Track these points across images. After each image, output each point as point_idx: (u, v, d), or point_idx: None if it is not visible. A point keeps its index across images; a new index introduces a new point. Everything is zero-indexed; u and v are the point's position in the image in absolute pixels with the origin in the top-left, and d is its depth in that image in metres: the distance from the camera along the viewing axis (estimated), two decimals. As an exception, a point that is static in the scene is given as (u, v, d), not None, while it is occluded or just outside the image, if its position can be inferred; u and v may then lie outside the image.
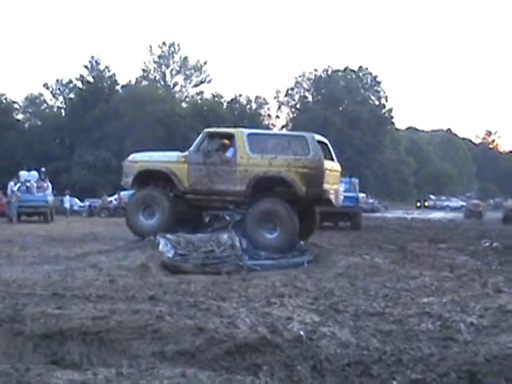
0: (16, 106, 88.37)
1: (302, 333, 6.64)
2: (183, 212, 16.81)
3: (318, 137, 16.40)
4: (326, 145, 16.55)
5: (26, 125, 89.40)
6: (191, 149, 16.43)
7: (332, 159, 16.53)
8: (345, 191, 28.98)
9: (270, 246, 14.90)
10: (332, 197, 16.27)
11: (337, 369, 5.79)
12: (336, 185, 16.76)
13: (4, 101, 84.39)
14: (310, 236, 17.00)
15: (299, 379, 5.62)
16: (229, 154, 16.27)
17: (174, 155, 16.81)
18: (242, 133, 16.34)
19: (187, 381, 5.25)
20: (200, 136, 16.56)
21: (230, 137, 16.45)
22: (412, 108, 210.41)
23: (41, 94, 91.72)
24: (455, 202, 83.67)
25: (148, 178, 16.87)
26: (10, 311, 7.75)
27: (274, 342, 6.33)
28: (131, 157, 17.31)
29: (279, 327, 6.85)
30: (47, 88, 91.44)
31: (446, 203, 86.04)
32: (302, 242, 15.09)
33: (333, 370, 5.77)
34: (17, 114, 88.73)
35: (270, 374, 5.76)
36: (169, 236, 14.06)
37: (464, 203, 66.77)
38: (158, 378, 5.35)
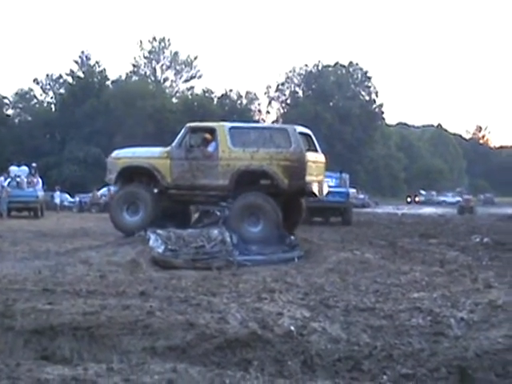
0: (6, 101, 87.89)
1: (292, 328, 6.65)
2: (168, 207, 16.77)
3: (301, 128, 16.52)
4: (310, 136, 16.72)
5: (16, 120, 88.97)
6: (173, 144, 16.42)
7: (316, 150, 16.70)
8: (335, 186, 29.06)
9: (254, 239, 14.91)
10: (315, 189, 16.28)
11: (327, 364, 5.80)
12: (320, 176, 16.87)
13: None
14: (295, 228, 17.04)
15: (290, 374, 5.63)
16: (211, 148, 16.26)
17: (156, 151, 16.80)
18: (223, 127, 16.34)
19: (178, 376, 5.25)
20: (182, 131, 16.55)
21: (212, 131, 16.44)
22: (402, 103, 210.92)
23: (31, 89, 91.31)
24: (451, 198, 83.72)
25: (132, 174, 16.83)
26: (0, 306, 7.74)
27: (264, 338, 6.34)
28: (114, 153, 17.29)
29: (270, 322, 6.86)
30: (37, 83, 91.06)
31: (442, 198, 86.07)
32: (292, 237, 15.08)
33: (323, 366, 5.78)
34: (7, 110, 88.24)
35: (260, 369, 5.76)
36: (159, 231, 14.04)
37: (460, 198, 66.64)
38: (149, 374, 5.35)
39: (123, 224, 16.40)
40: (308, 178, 15.74)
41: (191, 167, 16.08)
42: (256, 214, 15.53)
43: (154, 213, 16.17)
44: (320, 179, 16.71)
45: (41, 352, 6.43)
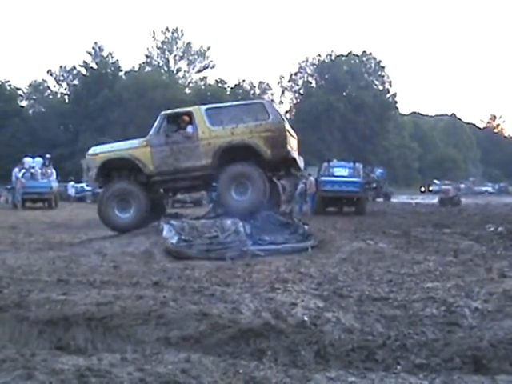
0: (20, 92, 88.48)
1: (305, 318, 6.64)
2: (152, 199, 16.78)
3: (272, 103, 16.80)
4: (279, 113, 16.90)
5: (30, 111, 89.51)
6: (151, 133, 16.41)
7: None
8: (349, 176, 29.07)
9: (241, 208, 15.18)
10: (296, 157, 16.74)
11: (341, 354, 5.79)
12: (295, 147, 17.11)
13: (8, 88, 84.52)
14: (278, 209, 17.24)
15: (303, 364, 5.63)
16: (189, 130, 16.29)
17: (135, 142, 16.70)
18: (199, 109, 16.40)
19: (192, 366, 5.26)
20: (158, 119, 16.51)
21: (189, 115, 16.43)
22: (416, 93, 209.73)
23: (44, 81, 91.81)
24: (490, 187, 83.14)
25: (110, 170, 16.61)
26: (15, 297, 7.79)
27: (278, 328, 6.34)
28: (91, 150, 17.09)
29: (283, 312, 6.85)
30: (51, 74, 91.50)
31: (484, 188, 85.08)
32: (306, 227, 15.06)
33: (337, 355, 5.78)
34: (21, 101, 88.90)
35: (274, 359, 5.77)
36: (173, 222, 14.07)
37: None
38: (163, 363, 5.36)
39: (114, 222, 16.27)
40: (289, 147, 16.02)
41: (173, 152, 16.08)
42: (243, 182, 15.74)
43: (145, 209, 16.18)
44: (296, 153, 16.99)
45: (55, 342, 6.47)
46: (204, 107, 16.59)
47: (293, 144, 16.71)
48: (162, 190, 17.39)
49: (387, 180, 57.73)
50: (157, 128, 16.33)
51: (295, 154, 16.69)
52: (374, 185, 48.91)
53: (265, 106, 16.44)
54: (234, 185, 15.71)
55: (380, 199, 49.91)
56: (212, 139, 15.92)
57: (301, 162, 17.31)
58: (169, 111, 17.04)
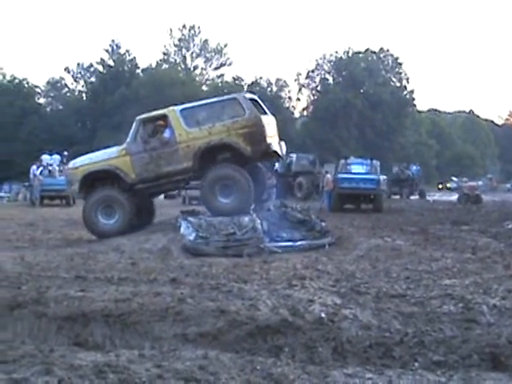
0: (38, 90, 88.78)
1: (323, 315, 6.65)
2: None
3: (248, 95, 16.54)
4: (256, 101, 16.61)
5: (48, 109, 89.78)
6: (128, 140, 16.23)
7: (265, 113, 16.63)
8: (366, 173, 28.98)
9: (227, 210, 15.04)
10: (277, 148, 16.49)
11: (358, 351, 5.80)
12: (276, 136, 16.82)
13: (26, 85, 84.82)
14: (261, 199, 17.23)
15: (320, 361, 5.63)
16: (167, 134, 16.09)
17: (113, 151, 16.47)
18: (174, 111, 16.16)
19: (209, 362, 5.28)
20: (134, 125, 16.32)
21: (164, 118, 16.25)
22: (434, 90, 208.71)
23: (62, 78, 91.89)
24: (509, 184, 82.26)
25: (94, 180, 16.39)
26: (33, 293, 7.85)
27: (295, 324, 6.35)
28: (71, 164, 16.98)
29: (300, 309, 6.86)
30: (68, 72, 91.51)
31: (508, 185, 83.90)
32: (323, 224, 15.05)
33: (354, 352, 5.78)
34: (39, 99, 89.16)
35: (291, 355, 5.78)
36: (190, 219, 14.10)
37: None
38: (180, 360, 5.38)
39: (99, 228, 15.99)
40: (268, 140, 15.86)
41: (152, 158, 15.92)
42: (228, 184, 15.59)
43: (130, 214, 16.03)
44: (276, 139, 16.73)
45: (74, 338, 6.52)
46: (178, 108, 16.33)
47: (272, 133, 16.48)
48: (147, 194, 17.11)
49: (423, 177, 56.24)
50: (133, 134, 16.16)
51: (275, 145, 16.43)
52: (409, 182, 48.58)
53: (239, 102, 16.11)
54: (217, 187, 15.57)
55: (415, 197, 48.63)
56: (190, 141, 15.77)
57: (282, 148, 17.05)
58: (143, 116, 16.75)
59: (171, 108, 16.39)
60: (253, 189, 15.50)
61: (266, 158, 17.27)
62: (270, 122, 16.50)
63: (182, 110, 16.15)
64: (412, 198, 47.87)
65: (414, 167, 52.51)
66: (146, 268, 10.52)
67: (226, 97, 17.19)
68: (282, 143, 17.03)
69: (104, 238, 15.12)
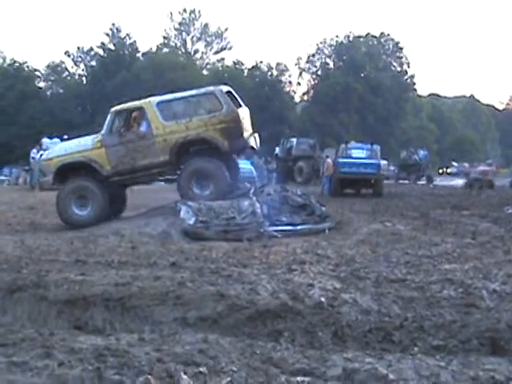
0: (38, 73, 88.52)
1: (323, 299, 6.65)
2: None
3: (225, 88, 16.45)
4: (232, 93, 16.58)
5: (48, 92, 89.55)
6: (103, 132, 16.16)
7: (240, 106, 16.65)
8: (366, 158, 28.96)
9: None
10: (253, 143, 16.67)
11: (358, 335, 5.81)
12: (250, 129, 16.90)
13: (26, 69, 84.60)
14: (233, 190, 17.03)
15: (320, 345, 5.64)
16: (143, 128, 16.05)
17: (88, 143, 16.29)
18: (150, 103, 16.05)
19: (209, 346, 5.29)
20: (108, 117, 16.25)
21: (140, 110, 16.19)
22: (434, 74, 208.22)
23: (62, 62, 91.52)
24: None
25: (67, 171, 16.21)
26: (33, 277, 7.86)
27: (295, 309, 6.35)
28: (45, 154, 16.86)
29: (300, 294, 6.86)
30: (68, 56, 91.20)
31: None
32: (323, 208, 15.05)
33: (354, 337, 5.79)
34: (38, 82, 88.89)
35: (291, 340, 5.79)
36: (190, 203, 14.09)
37: None
38: (180, 344, 5.40)
39: (73, 219, 15.78)
40: (245, 134, 15.98)
41: (128, 151, 15.83)
42: (205, 177, 15.68)
43: (104, 204, 15.93)
44: (251, 133, 16.85)
45: (74, 322, 6.54)
46: (155, 101, 16.21)
47: (247, 126, 16.53)
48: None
49: (430, 162, 55.20)
50: (109, 126, 16.08)
51: (251, 140, 16.53)
52: (416, 167, 48.02)
53: (216, 96, 16.05)
54: (194, 180, 15.64)
55: (422, 182, 47.38)
56: (167, 135, 15.74)
57: (256, 140, 17.11)
58: (119, 107, 16.64)
59: (147, 100, 16.31)
60: (229, 181, 15.57)
61: (242, 152, 17.55)
62: (244, 115, 16.54)
63: (158, 103, 16.09)
64: (419, 183, 46.90)
65: (422, 152, 51.74)
66: (146, 252, 10.53)
67: (203, 90, 17.03)
68: (256, 135, 17.04)
69: (77, 227, 14.86)
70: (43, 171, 16.73)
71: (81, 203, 15.79)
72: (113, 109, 16.46)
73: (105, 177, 15.94)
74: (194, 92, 16.71)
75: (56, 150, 16.92)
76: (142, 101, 16.41)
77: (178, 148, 15.70)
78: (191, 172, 15.63)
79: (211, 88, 16.77)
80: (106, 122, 16.17)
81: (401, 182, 46.98)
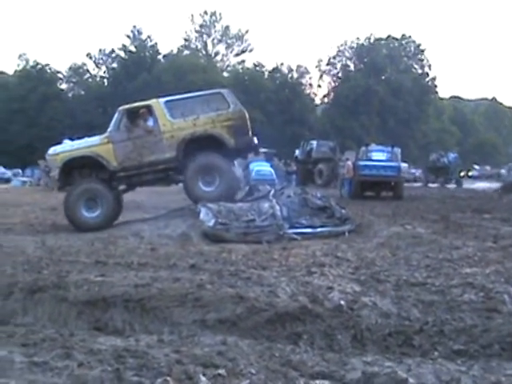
0: (60, 75, 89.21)
1: (342, 302, 6.62)
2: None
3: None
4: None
5: (70, 94, 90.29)
6: (110, 129, 16.22)
7: None
8: (387, 161, 28.86)
9: (210, 198, 15.09)
10: (256, 142, 16.88)
11: (378, 339, 5.78)
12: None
13: (48, 71, 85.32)
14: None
15: (339, 348, 5.62)
16: (150, 124, 16.19)
17: (95, 139, 16.45)
18: (158, 102, 16.26)
19: (228, 348, 5.28)
20: (116, 115, 16.33)
21: (148, 108, 16.29)
22: (456, 77, 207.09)
23: (84, 64, 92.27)
24: None
25: (71, 169, 16.24)
26: (54, 278, 7.90)
27: (314, 312, 6.33)
28: (51, 150, 16.70)
29: (320, 296, 6.84)
30: (90, 58, 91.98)
31: None
32: (343, 211, 14.99)
33: (373, 340, 5.76)
34: (60, 84, 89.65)
35: (310, 342, 5.77)
36: (210, 205, 14.10)
37: None
38: (199, 346, 5.39)
39: (81, 221, 15.75)
40: (250, 134, 16.24)
41: (136, 146, 15.94)
42: (212, 173, 15.88)
43: (112, 206, 16.02)
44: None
45: (94, 323, 6.57)
46: (163, 100, 16.40)
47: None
48: (123, 186, 17.13)
49: (460, 165, 52.68)
50: (116, 123, 16.16)
51: (255, 139, 16.75)
52: (445, 170, 46.54)
53: (224, 96, 16.42)
54: (200, 176, 15.82)
55: (452, 185, 45.77)
56: (174, 132, 15.91)
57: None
58: (127, 106, 16.76)
59: (155, 100, 16.50)
60: (237, 177, 15.68)
61: (248, 151, 17.73)
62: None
63: (166, 102, 16.29)
64: (448, 186, 45.28)
65: (452, 155, 50.28)
66: (165, 254, 10.54)
67: (210, 91, 17.28)
68: (255, 138, 17.13)
69: (84, 230, 14.82)
70: (49, 167, 16.71)
71: (89, 205, 15.81)
72: (120, 107, 16.59)
73: (110, 173, 16.05)
74: (201, 92, 16.95)
75: (63, 145, 17.03)
76: (150, 100, 16.61)
77: (185, 144, 15.86)
78: (197, 168, 15.80)
79: (218, 89, 17.05)
80: (114, 119, 16.29)
81: (430, 185, 45.93)
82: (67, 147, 16.66)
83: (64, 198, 15.83)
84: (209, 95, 16.90)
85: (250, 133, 16.44)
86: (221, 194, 15.38)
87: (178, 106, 16.35)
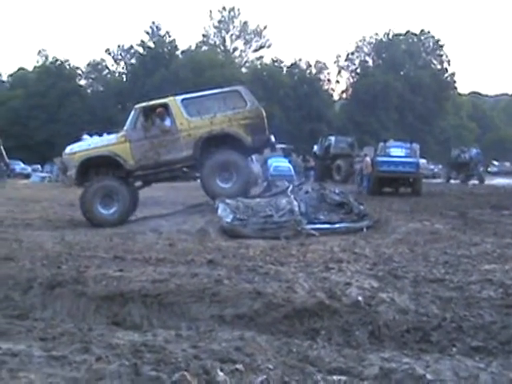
0: (79, 71, 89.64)
1: (360, 298, 6.61)
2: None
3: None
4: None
5: (89, 90, 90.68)
6: (126, 127, 16.25)
7: None
8: (405, 156, 28.71)
9: (226, 195, 15.14)
10: (273, 140, 16.96)
11: (395, 335, 5.76)
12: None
13: (68, 67, 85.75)
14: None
15: (357, 344, 5.61)
16: (167, 123, 16.18)
17: (112, 137, 16.51)
18: (175, 100, 16.28)
19: (245, 344, 5.28)
20: (132, 113, 16.37)
21: (164, 107, 16.28)
22: (475, 72, 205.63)
23: (103, 60, 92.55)
24: None
25: (88, 168, 16.28)
26: (73, 273, 7.95)
27: (332, 307, 6.33)
28: (68, 149, 16.71)
29: (337, 292, 6.83)
30: (109, 54, 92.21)
31: None
32: (361, 207, 14.94)
33: (391, 336, 5.75)
34: (79, 80, 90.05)
35: (327, 338, 5.77)
36: (228, 201, 14.12)
37: None
38: (217, 341, 5.40)
39: (98, 218, 15.71)
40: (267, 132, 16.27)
41: (152, 145, 15.97)
42: (228, 170, 15.95)
43: (128, 204, 16.06)
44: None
45: (112, 318, 6.60)
46: (179, 98, 16.43)
47: None
48: (139, 183, 17.21)
49: (482, 162, 50.75)
50: (132, 122, 16.20)
51: (272, 137, 16.84)
52: (467, 166, 44.56)
53: (241, 94, 16.44)
54: (217, 173, 15.87)
55: (474, 182, 43.77)
56: (191, 130, 15.95)
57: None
58: (143, 104, 16.80)
59: (172, 97, 16.51)
60: (252, 175, 15.70)
61: (265, 148, 17.79)
62: None
63: (183, 100, 16.31)
64: (470, 182, 43.41)
65: (474, 150, 48.58)
66: (183, 249, 10.58)
67: (227, 88, 17.23)
68: (272, 136, 17.15)
69: (100, 227, 14.82)
70: (65, 165, 16.79)
71: (106, 203, 15.82)
72: (137, 105, 16.65)
73: (127, 171, 16.09)
74: (218, 90, 16.94)
75: (79, 144, 17.00)
76: (167, 98, 16.60)
77: (203, 143, 15.90)
78: (214, 165, 15.84)
79: (236, 86, 17.03)
80: (130, 117, 16.34)
81: (452, 181, 44.97)
82: (84, 146, 16.65)
83: (80, 195, 15.87)
84: (226, 93, 16.90)
85: (267, 131, 16.45)
86: (238, 190, 15.42)
87: (195, 104, 16.39)
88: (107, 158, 16.10)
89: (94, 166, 16.26)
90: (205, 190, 16.22)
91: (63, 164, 16.96)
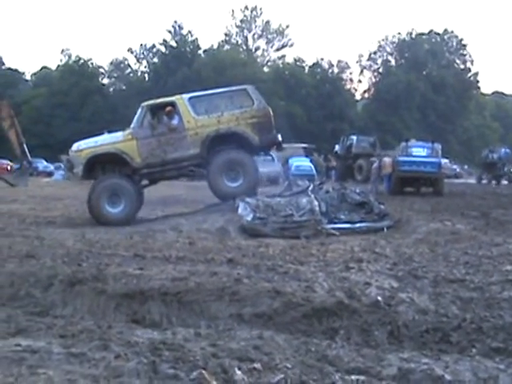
0: (101, 70, 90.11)
1: (379, 298, 6.59)
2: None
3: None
4: None
5: (111, 89, 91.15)
6: (133, 125, 16.27)
7: None
8: (427, 156, 28.57)
9: (234, 194, 15.21)
10: (280, 139, 16.95)
11: (415, 335, 5.74)
12: None
13: (90, 66, 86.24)
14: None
15: (376, 344, 5.60)
16: (175, 121, 16.15)
17: (119, 135, 16.47)
18: (182, 99, 16.30)
19: (264, 343, 5.29)
20: (139, 111, 16.36)
21: (172, 105, 16.26)
22: (499, 72, 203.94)
23: (125, 59, 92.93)
24: None
25: (94, 165, 16.26)
26: (93, 270, 7.99)
27: (351, 307, 6.31)
28: (75, 146, 16.66)
29: (357, 292, 6.82)
30: (131, 53, 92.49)
31: None
32: (382, 207, 14.90)
33: (411, 337, 5.72)
34: (102, 79, 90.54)
35: (346, 338, 5.75)
36: (248, 200, 14.13)
37: None
38: (236, 340, 5.41)
39: (105, 216, 15.67)
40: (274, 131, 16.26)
41: (159, 143, 15.98)
42: (235, 169, 15.95)
43: (135, 202, 16.04)
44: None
45: (131, 315, 6.62)
46: (187, 96, 16.46)
47: None
48: (145, 181, 17.20)
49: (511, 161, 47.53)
50: (139, 120, 16.23)
51: (279, 136, 16.84)
52: (496, 166, 43.04)
53: (248, 93, 16.42)
54: (224, 172, 15.88)
55: (504, 182, 42.80)
56: (199, 129, 15.96)
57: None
58: (151, 102, 16.82)
59: (179, 96, 16.57)
60: (259, 174, 15.68)
61: (272, 148, 17.89)
62: None
63: (190, 98, 16.35)
64: (502, 183, 42.39)
65: (504, 150, 46.31)
66: (203, 248, 10.60)
67: (234, 87, 17.22)
68: (279, 135, 17.16)
69: (107, 225, 14.82)
70: (71, 163, 16.74)
71: (113, 201, 15.80)
72: (143, 103, 16.68)
73: (133, 169, 16.10)
74: (226, 89, 16.98)
75: (86, 142, 16.91)
76: (174, 96, 16.67)
77: (210, 141, 15.92)
78: (221, 163, 15.87)
79: (243, 85, 17.03)
80: (136, 116, 16.38)
81: (483, 182, 43.67)
82: (91, 143, 16.58)
83: (88, 193, 15.88)
84: (233, 92, 16.94)
85: (274, 130, 16.48)
86: (246, 189, 15.46)
87: (202, 103, 16.42)
88: (114, 156, 16.13)
89: (100, 164, 16.31)
90: (212, 189, 16.25)
91: (69, 161, 16.97)
